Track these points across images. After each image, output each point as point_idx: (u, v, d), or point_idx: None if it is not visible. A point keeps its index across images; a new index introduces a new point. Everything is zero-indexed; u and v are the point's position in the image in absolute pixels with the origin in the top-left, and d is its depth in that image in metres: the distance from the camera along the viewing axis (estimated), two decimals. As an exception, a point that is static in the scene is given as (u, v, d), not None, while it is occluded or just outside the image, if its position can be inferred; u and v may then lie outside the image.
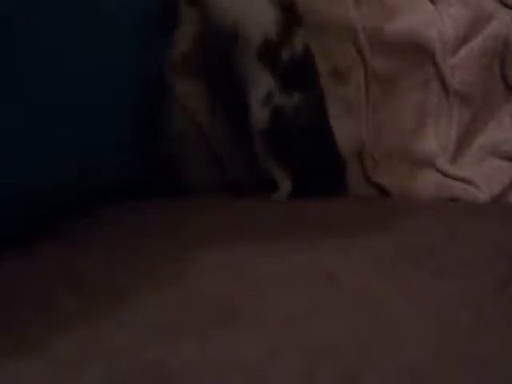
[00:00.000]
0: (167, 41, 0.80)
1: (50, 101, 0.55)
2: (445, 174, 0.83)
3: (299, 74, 0.76)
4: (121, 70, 0.69)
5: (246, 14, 0.74)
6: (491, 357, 0.35)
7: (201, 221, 0.63)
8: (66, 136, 0.59)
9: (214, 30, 0.76)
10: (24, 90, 0.52)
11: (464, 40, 0.85)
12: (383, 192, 0.83)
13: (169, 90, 0.81)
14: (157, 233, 0.59)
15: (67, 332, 0.38)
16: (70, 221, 0.60)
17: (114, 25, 0.67)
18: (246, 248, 0.52)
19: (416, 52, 0.84)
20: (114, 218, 0.64)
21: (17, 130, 0.52)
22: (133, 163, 0.75)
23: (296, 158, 0.77)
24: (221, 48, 0.76)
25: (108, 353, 0.35)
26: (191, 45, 0.80)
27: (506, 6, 0.86)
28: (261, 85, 0.75)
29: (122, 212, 0.66)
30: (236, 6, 0.75)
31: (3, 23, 0.49)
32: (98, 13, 0.63)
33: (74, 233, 0.58)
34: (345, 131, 0.82)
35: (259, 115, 0.76)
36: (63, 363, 0.34)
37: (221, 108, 0.82)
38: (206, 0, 0.76)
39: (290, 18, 0.76)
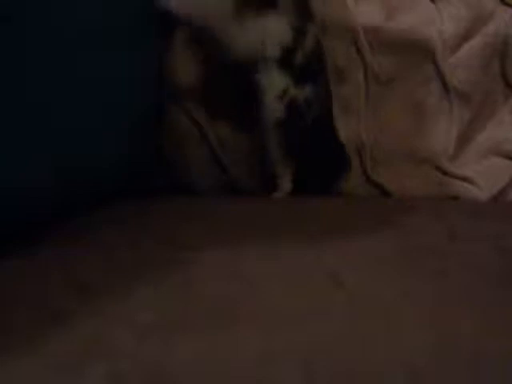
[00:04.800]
0: (167, 41, 0.80)
1: (49, 101, 0.56)
2: (445, 173, 0.83)
3: (311, 69, 0.78)
4: (121, 69, 0.69)
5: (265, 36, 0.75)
6: (491, 357, 0.35)
7: (201, 221, 0.63)
8: (65, 136, 0.59)
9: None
10: (24, 90, 0.52)
11: (464, 39, 0.85)
12: (383, 192, 0.83)
13: (169, 90, 0.81)
14: (157, 233, 0.59)
15: (67, 332, 0.38)
16: (70, 221, 0.60)
17: (114, 25, 0.67)
18: (246, 248, 0.52)
19: (416, 51, 0.84)
20: (114, 218, 0.64)
21: (17, 130, 0.52)
22: (133, 163, 0.75)
23: (304, 149, 0.78)
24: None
25: (108, 353, 0.35)
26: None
27: (505, 4, 0.86)
28: (278, 84, 0.77)
29: (122, 212, 0.66)
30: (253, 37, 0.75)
31: (3, 23, 0.49)
32: (98, 13, 0.64)
33: (74, 233, 0.58)
34: (344, 131, 0.82)
35: (275, 107, 0.77)
36: (63, 363, 0.34)
37: (223, 106, 0.82)
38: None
39: (303, 17, 0.77)
